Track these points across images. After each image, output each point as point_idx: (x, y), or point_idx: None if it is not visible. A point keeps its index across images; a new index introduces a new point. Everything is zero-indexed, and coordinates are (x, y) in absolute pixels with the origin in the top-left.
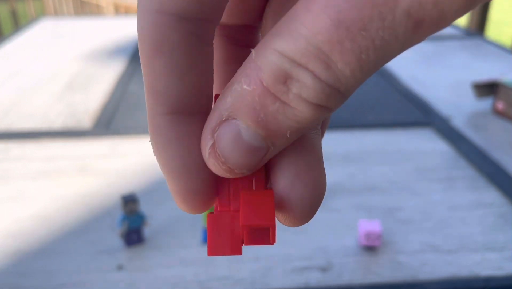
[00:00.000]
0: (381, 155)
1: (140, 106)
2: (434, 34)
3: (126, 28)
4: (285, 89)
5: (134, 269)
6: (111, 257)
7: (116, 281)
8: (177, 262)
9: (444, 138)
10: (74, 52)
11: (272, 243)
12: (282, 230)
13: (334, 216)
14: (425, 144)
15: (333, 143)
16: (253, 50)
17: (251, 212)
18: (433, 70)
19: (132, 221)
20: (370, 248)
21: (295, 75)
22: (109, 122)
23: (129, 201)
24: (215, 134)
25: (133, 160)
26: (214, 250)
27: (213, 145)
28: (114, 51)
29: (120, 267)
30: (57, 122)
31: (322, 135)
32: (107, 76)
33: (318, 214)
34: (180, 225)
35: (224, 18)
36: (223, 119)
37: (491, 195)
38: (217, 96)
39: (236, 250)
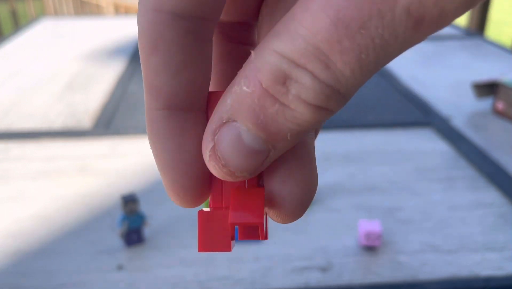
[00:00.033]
0: (381, 155)
1: (140, 106)
2: (434, 34)
3: (126, 28)
4: (284, 90)
5: (134, 269)
6: (111, 257)
7: (116, 281)
8: (177, 262)
9: (444, 138)
10: (74, 52)
11: (263, 239)
12: (282, 230)
13: (334, 216)
14: (425, 144)
15: (333, 144)
16: (252, 52)
17: (240, 210)
18: (433, 70)
19: (132, 221)
20: (370, 248)
21: (294, 76)
22: (109, 122)
23: (129, 201)
24: (216, 137)
25: (133, 160)
26: (204, 246)
27: (213, 148)
28: (114, 51)
29: (120, 267)
30: (57, 122)
31: (316, 134)
32: (107, 76)
33: (318, 214)
34: (180, 225)
35: (221, 15)
36: (224, 121)
37: (491, 195)
38: (211, 93)
39: (226, 247)
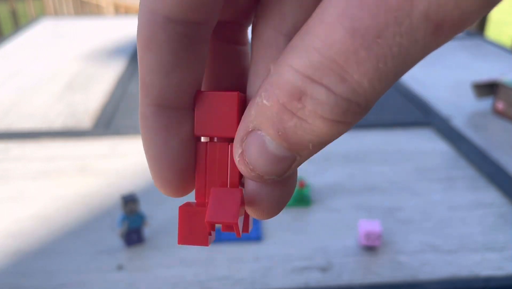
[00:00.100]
0: (381, 155)
1: None
2: None
3: (126, 28)
4: (301, 106)
5: (134, 269)
6: (111, 257)
7: (116, 281)
8: (177, 262)
9: (444, 138)
10: (74, 52)
11: (239, 237)
12: (282, 230)
13: (334, 216)
14: (425, 144)
15: (333, 143)
16: (272, 65)
17: (216, 210)
18: (433, 70)
19: (132, 221)
20: (370, 248)
21: (310, 92)
22: (109, 122)
23: (129, 201)
24: (243, 144)
25: (133, 160)
26: (183, 240)
27: (242, 153)
28: (114, 51)
29: (120, 267)
30: (57, 122)
31: None
32: (107, 76)
33: (318, 214)
34: None
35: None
36: (250, 130)
37: (491, 195)
38: (198, 93)
39: (203, 242)
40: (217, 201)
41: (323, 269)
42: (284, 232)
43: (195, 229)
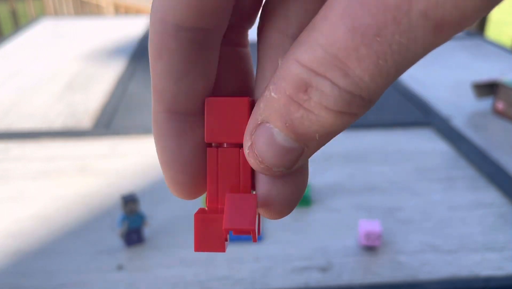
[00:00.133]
0: (381, 155)
1: (140, 106)
2: None
3: (126, 28)
4: (306, 97)
5: (134, 269)
6: (111, 257)
7: (116, 281)
8: (177, 262)
9: (444, 138)
10: (74, 52)
11: (255, 241)
12: (282, 230)
13: (334, 216)
14: (425, 144)
15: (333, 143)
16: (279, 59)
17: (233, 216)
18: (433, 70)
19: (132, 221)
20: (370, 248)
21: (315, 84)
22: (109, 122)
23: (129, 201)
24: (253, 136)
25: (133, 160)
26: (200, 247)
27: (251, 146)
28: (114, 51)
29: (120, 267)
30: (57, 122)
31: None
32: (107, 76)
33: (318, 214)
34: (180, 225)
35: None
36: (259, 122)
37: (491, 195)
38: (207, 98)
39: (220, 248)
40: (233, 207)
41: (323, 269)
42: (284, 232)
43: (212, 236)
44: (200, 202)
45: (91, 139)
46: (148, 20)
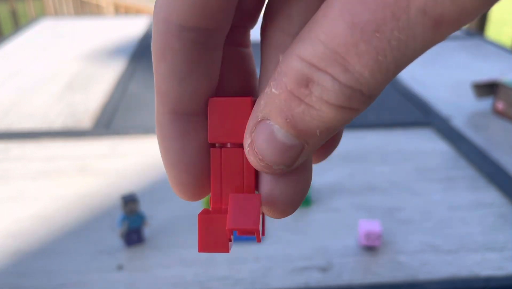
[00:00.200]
0: (381, 155)
1: (140, 106)
2: None
3: (126, 28)
4: (308, 92)
5: (134, 269)
6: (111, 257)
7: (116, 281)
8: (177, 262)
9: (444, 138)
10: (74, 52)
11: (259, 241)
12: (282, 230)
13: (334, 216)
14: (425, 144)
15: None
16: (280, 55)
17: (237, 216)
18: (433, 70)
19: (132, 221)
20: (370, 248)
21: (316, 79)
22: (109, 122)
23: (129, 201)
24: (253, 134)
25: (133, 160)
26: (204, 248)
27: (251, 143)
28: (114, 51)
29: (120, 267)
30: (57, 122)
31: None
32: (107, 76)
33: (318, 214)
34: (180, 225)
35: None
36: (259, 120)
37: (491, 195)
38: (210, 99)
39: (224, 248)
40: (236, 207)
41: (323, 269)
42: (284, 232)
43: (215, 236)
44: (200, 201)
45: (91, 139)
46: (150, 20)
